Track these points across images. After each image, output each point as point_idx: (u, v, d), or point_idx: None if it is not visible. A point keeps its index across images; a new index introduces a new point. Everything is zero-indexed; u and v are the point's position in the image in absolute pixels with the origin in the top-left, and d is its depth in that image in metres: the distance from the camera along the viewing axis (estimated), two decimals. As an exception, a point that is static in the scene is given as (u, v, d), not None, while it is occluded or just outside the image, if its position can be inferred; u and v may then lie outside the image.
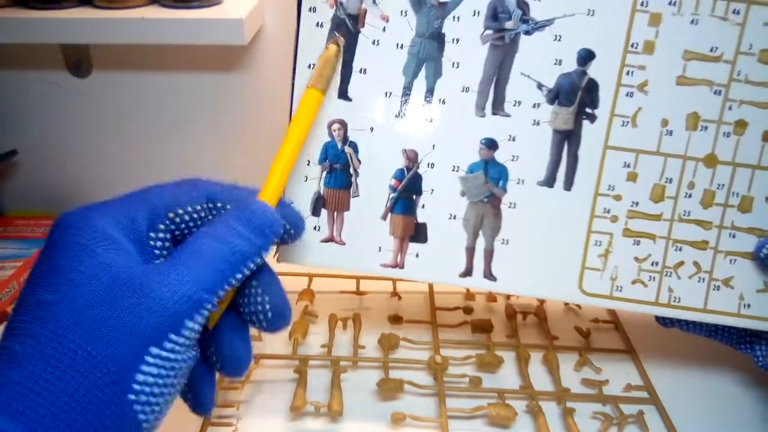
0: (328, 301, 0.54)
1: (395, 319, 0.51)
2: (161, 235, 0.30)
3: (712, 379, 0.48)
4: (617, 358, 0.49)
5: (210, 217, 0.32)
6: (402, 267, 0.42)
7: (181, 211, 0.31)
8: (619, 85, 0.39)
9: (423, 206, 0.41)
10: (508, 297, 0.55)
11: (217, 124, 0.65)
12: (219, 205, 0.32)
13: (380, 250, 0.42)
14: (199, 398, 0.31)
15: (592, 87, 0.39)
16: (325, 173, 0.41)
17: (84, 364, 0.25)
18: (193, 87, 0.63)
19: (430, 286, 0.56)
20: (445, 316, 0.52)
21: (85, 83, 0.63)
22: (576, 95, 0.40)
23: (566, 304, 0.55)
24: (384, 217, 0.41)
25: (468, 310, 0.53)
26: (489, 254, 0.41)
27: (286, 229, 0.33)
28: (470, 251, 0.41)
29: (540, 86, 0.40)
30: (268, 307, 0.31)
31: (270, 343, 0.48)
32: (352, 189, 0.41)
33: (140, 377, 0.26)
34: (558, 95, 0.40)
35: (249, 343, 0.32)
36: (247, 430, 0.41)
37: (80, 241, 0.28)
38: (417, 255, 0.42)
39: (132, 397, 0.26)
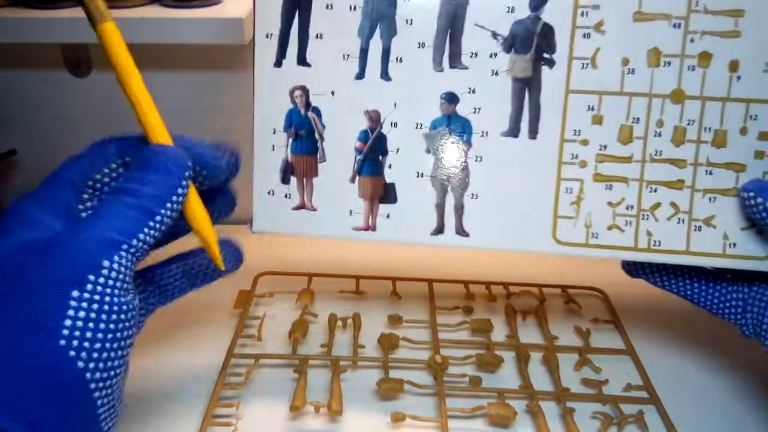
0: (328, 301, 0.54)
1: (395, 319, 0.51)
2: (88, 204, 0.32)
3: (712, 379, 0.46)
4: (617, 358, 0.48)
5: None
6: (374, 229, 0.42)
7: (98, 176, 0.32)
8: (574, 27, 0.39)
9: (390, 166, 0.41)
10: (508, 297, 0.55)
11: (217, 123, 0.65)
12: (128, 159, 0.33)
13: (351, 213, 0.42)
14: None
15: (548, 32, 0.39)
16: (290, 140, 0.42)
17: (5, 315, 0.26)
18: (193, 86, 0.64)
19: (430, 286, 0.55)
20: (445, 316, 0.52)
21: (85, 83, 0.64)
22: (532, 42, 0.39)
23: (566, 303, 0.54)
24: (352, 180, 0.42)
25: (468, 310, 0.53)
26: (459, 210, 0.41)
27: (197, 171, 0.34)
28: (440, 208, 0.41)
29: (495, 35, 0.40)
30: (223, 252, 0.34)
31: (270, 343, 0.49)
32: (318, 154, 0.42)
33: (68, 322, 0.26)
34: (514, 43, 0.39)
35: None
36: (246, 430, 0.41)
37: (9, 224, 0.30)
38: (388, 216, 0.42)
39: (62, 342, 0.26)
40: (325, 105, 0.41)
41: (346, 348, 0.49)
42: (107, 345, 0.27)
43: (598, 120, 0.40)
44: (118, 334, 0.28)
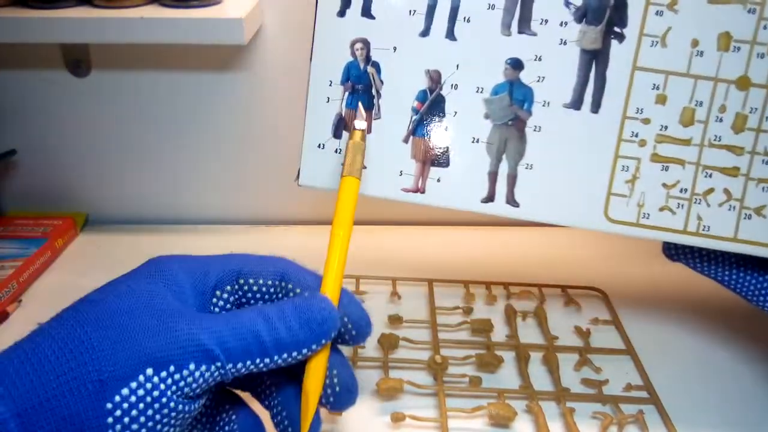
0: None
1: (395, 319, 0.51)
2: (225, 296, 0.32)
3: (712, 378, 0.47)
4: (617, 358, 0.48)
5: (280, 296, 0.32)
6: (423, 192, 0.41)
7: (252, 281, 0.32)
8: (648, 3, 0.38)
9: (446, 129, 0.41)
10: (508, 297, 0.55)
11: (217, 123, 0.65)
12: (290, 286, 0.32)
13: (401, 174, 0.41)
14: None
15: (621, 5, 0.39)
16: (346, 94, 0.40)
17: (84, 353, 0.26)
18: (193, 86, 0.63)
19: (430, 286, 0.55)
20: (445, 316, 0.52)
21: (85, 83, 0.63)
22: (604, 13, 0.39)
23: (566, 303, 0.54)
24: (405, 140, 0.41)
25: (468, 310, 0.53)
26: (512, 179, 0.41)
27: (347, 329, 0.33)
28: (493, 176, 0.41)
29: (567, 3, 0.39)
30: (338, 388, 0.31)
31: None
32: (373, 110, 0.41)
33: (125, 391, 0.26)
34: (586, 13, 0.39)
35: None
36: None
37: (150, 271, 0.31)
38: (438, 180, 0.41)
39: (109, 405, 0.26)
40: (385, 61, 0.40)
41: (347, 348, 0.47)
42: (144, 430, 0.27)
43: (661, 100, 0.39)
44: (158, 427, 0.27)
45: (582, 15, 0.39)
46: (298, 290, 0.32)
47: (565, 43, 0.39)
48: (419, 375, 0.46)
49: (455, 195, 0.41)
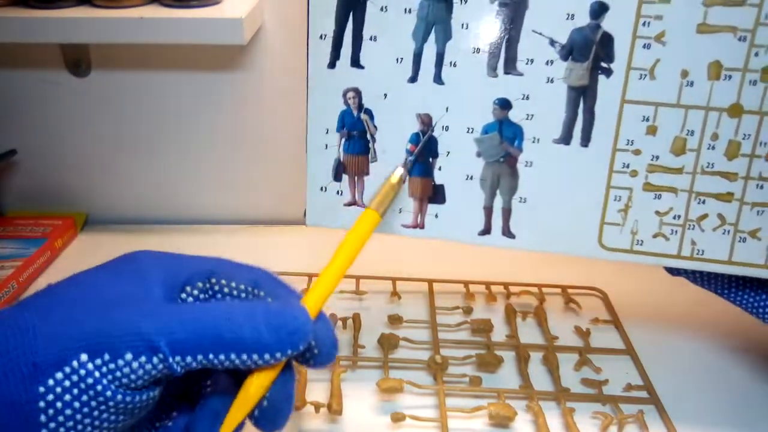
0: (328, 301, 0.54)
1: (395, 319, 0.52)
2: (195, 292, 0.30)
3: (712, 378, 0.47)
4: (617, 358, 0.49)
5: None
6: (422, 227, 0.43)
7: (224, 282, 0.30)
8: (635, 37, 0.38)
9: (440, 168, 0.42)
10: (508, 297, 0.55)
11: (217, 123, 0.65)
12: (262, 294, 0.30)
13: (401, 211, 0.43)
14: None
15: (607, 41, 0.38)
16: (343, 140, 0.42)
17: (21, 336, 0.25)
18: (193, 86, 0.63)
19: (430, 286, 0.56)
20: (445, 316, 0.53)
21: (85, 83, 0.63)
22: (590, 50, 0.39)
23: (566, 303, 0.55)
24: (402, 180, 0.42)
25: (468, 310, 0.53)
26: (507, 213, 0.42)
27: (311, 347, 0.29)
28: (488, 210, 0.42)
29: (552, 43, 0.39)
30: (265, 402, 0.29)
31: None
32: (370, 154, 0.42)
33: (59, 375, 0.25)
34: (572, 51, 0.39)
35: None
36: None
37: (121, 263, 0.30)
38: (436, 215, 0.43)
39: (41, 389, 0.25)
40: (377, 107, 0.41)
41: (346, 348, 0.49)
42: (78, 417, 0.25)
43: (652, 131, 0.39)
44: (96, 421, 0.26)
45: (568, 53, 0.39)
46: (269, 299, 0.30)
47: (552, 81, 0.39)
48: (419, 375, 0.47)
49: (453, 229, 0.43)
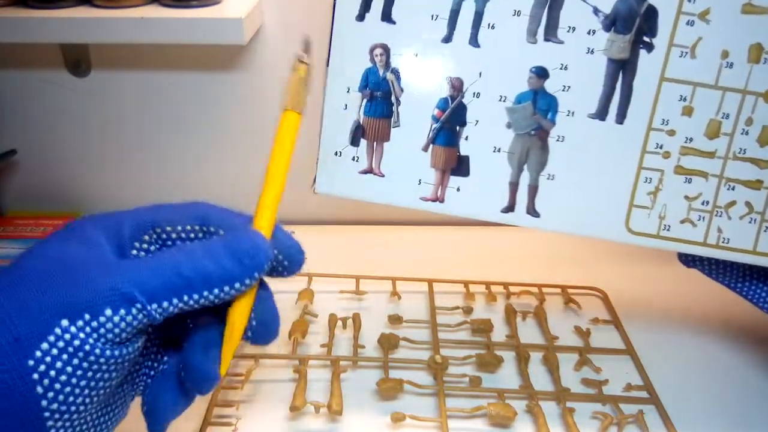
0: (328, 301, 0.53)
1: (395, 319, 0.50)
2: (145, 246, 0.30)
3: (712, 378, 0.47)
4: (617, 358, 0.48)
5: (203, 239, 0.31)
6: (442, 201, 0.40)
7: (169, 228, 0.30)
8: (679, 13, 0.37)
9: (466, 138, 0.39)
10: (508, 297, 0.54)
11: (217, 123, 0.64)
12: (212, 229, 0.31)
13: (420, 183, 0.40)
14: (153, 409, 0.30)
15: (651, 14, 0.37)
16: (365, 101, 0.39)
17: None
18: (193, 86, 0.63)
19: (430, 286, 0.55)
20: (445, 316, 0.52)
21: (85, 83, 0.63)
22: (634, 22, 0.37)
23: (566, 303, 0.54)
24: (425, 149, 0.40)
25: (468, 310, 0.52)
26: (533, 190, 0.40)
27: (279, 261, 0.31)
28: (514, 186, 0.40)
29: (596, 11, 0.37)
30: (254, 322, 0.30)
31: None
32: (392, 118, 0.39)
33: (45, 345, 0.25)
34: (615, 22, 0.37)
35: (216, 363, 0.30)
36: (246, 430, 0.41)
37: (63, 233, 0.29)
38: (458, 189, 0.40)
39: (31, 362, 0.25)
40: (406, 66, 0.39)
41: (346, 348, 0.48)
42: (73, 381, 0.26)
43: (688, 111, 0.38)
44: (92, 382, 0.26)
45: (611, 23, 0.38)
46: (220, 231, 0.30)
47: (592, 52, 0.38)
48: (419, 375, 0.46)
49: (475, 204, 0.40)
